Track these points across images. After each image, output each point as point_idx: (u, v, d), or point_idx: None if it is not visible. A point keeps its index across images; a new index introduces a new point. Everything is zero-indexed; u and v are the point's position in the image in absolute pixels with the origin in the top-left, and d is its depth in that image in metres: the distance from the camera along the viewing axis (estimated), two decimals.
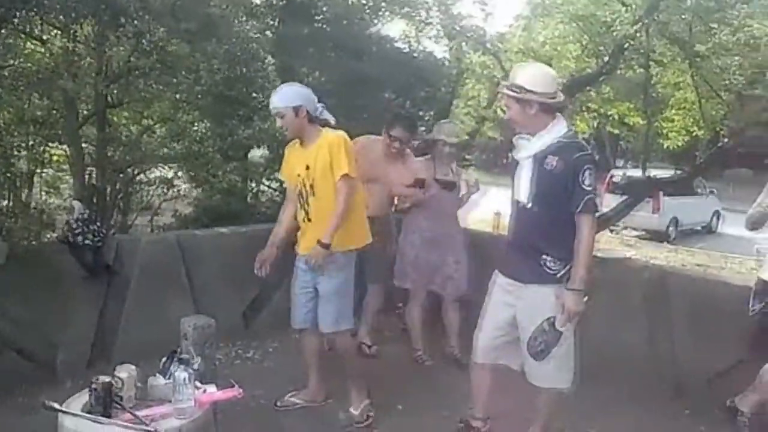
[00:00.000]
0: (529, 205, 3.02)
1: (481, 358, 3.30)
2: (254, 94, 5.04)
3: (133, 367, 2.45)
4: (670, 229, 15.09)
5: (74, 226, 4.30)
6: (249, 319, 5.17)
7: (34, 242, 4.70)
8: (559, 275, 3.00)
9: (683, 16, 8.13)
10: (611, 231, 13.28)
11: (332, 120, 3.65)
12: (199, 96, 5.07)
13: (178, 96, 5.12)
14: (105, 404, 2.22)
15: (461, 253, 4.62)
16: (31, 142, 5.18)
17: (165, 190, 5.80)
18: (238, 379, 4.27)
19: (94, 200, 5.07)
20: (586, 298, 2.95)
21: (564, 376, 3.12)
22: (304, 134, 3.56)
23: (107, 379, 2.26)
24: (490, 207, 7.50)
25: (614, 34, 8.78)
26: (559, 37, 10.72)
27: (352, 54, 7.45)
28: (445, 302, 4.69)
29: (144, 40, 4.68)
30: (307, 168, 3.52)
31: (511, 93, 3.01)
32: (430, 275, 4.62)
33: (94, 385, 2.23)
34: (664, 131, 10.89)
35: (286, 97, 3.52)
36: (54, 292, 4.31)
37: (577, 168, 2.91)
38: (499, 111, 14.28)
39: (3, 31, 4.71)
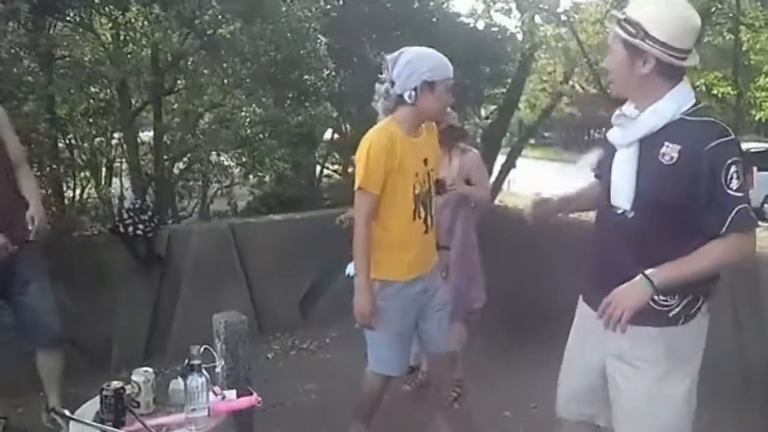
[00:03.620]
0: (631, 213, 2.01)
1: (565, 412, 2.38)
2: (305, 77, 4.83)
3: (151, 370, 2.31)
4: (766, 206, 14.11)
5: (125, 216, 4.28)
6: (305, 309, 5.04)
7: (85, 230, 4.72)
8: (672, 313, 2.00)
9: None
10: None
11: None
12: (247, 80, 4.92)
13: (225, 81, 4.98)
14: (116, 412, 2.09)
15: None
16: (91, 133, 5.22)
17: (221, 178, 5.73)
18: (293, 372, 4.27)
19: (149, 189, 5.04)
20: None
21: None
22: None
23: (119, 384, 2.13)
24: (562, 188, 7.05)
25: None
26: None
27: (417, 32, 7.20)
28: None
29: (192, 25, 4.56)
30: (426, 163, 2.78)
31: (621, 32, 1.95)
32: None
33: (104, 392, 2.10)
34: (757, 101, 10.13)
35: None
36: (108, 282, 4.31)
37: (716, 162, 1.86)
38: (576, 86, 13.83)
39: (58, 23, 4.74)
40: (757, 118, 11.21)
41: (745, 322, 3.72)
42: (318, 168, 6.84)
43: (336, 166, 7.06)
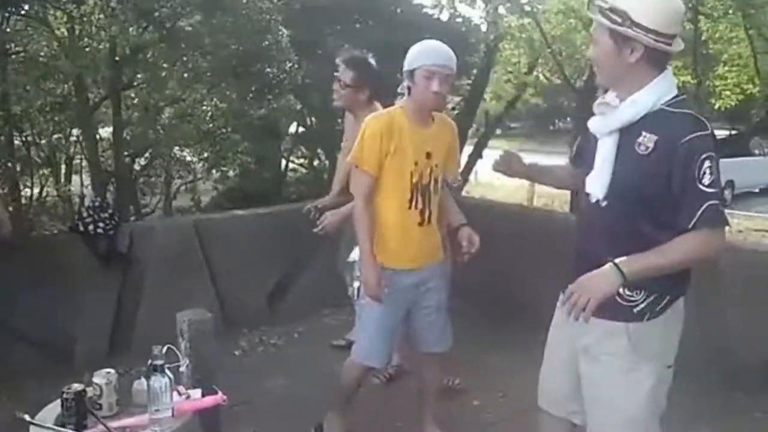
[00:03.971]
0: (605, 203, 2.00)
1: (545, 405, 2.34)
2: (267, 69, 4.78)
3: (113, 371, 2.27)
4: (725, 192, 14.43)
5: (85, 214, 4.20)
6: (273, 304, 5.00)
7: (47, 231, 4.63)
8: (637, 309, 1.98)
9: None
10: None
11: None
12: (208, 73, 4.87)
13: (186, 74, 4.92)
14: (78, 415, 2.05)
15: None
16: (48, 129, 5.11)
17: (184, 173, 5.67)
18: (261, 368, 4.24)
19: (110, 186, 4.95)
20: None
21: None
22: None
23: (80, 387, 2.09)
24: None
25: None
26: None
27: (381, 23, 7.20)
28: None
29: (150, 18, 4.48)
30: (428, 156, 2.77)
31: (606, 21, 1.91)
32: None
33: (65, 395, 2.05)
34: (717, 89, 10.31)
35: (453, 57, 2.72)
36: (69, 282, 4.20)
37: (690, 155, 1.84)
38: (541, 76, 13.93)
39: (12, 17, 4.61)
40: (716, 107, 11.42)
41: (705, 310, 3.78)
42: (283, 162, 6.80)
43: (301, 160, 7.01)
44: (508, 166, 2.31)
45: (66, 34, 4.82)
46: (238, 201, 5.25)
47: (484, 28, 10.82)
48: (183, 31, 4.36)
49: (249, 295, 4.80)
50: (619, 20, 1.87)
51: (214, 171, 5.64)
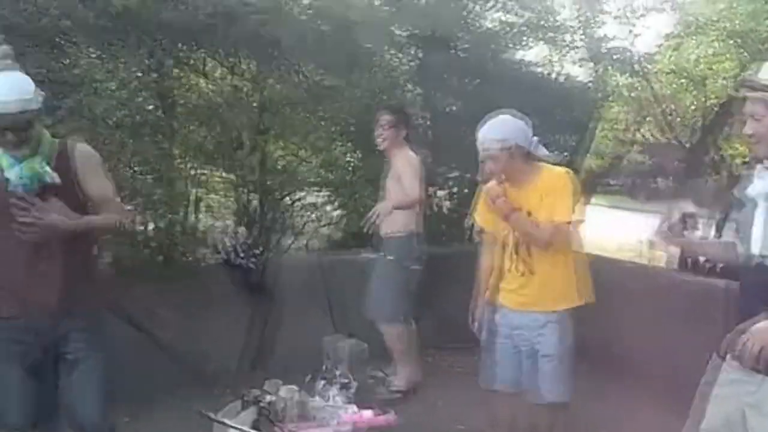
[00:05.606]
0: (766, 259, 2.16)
1: None
2: None
3: (295, 387, 2.56)
4: None
5: (239, 250, 4.70)
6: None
7: (192, 259, 5.11)
8: None
9: None
10: None
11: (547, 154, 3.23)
12: (352, 128, 5.35)
13: (333, 129, 5.44)
14: (263, 420, 2.35)
15: None
16: (199, 170, 5.65)
17: (316, 216, 6.12)
18: (371, 403, 4.52)
19: (252, 223, 5.45)
20: None
21: None
22: (519, 174, 3.13)
23: (257, 392, 2.40)
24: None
25: None
26: (713, 55, 10.16)
27: (492, 81, 7.43)
28: None
29: (298, 75, 5.01)
30: (528, 214, 3.09)
31: None
32: None
33: (245, 398, 2.37)
34: None
35: (499, 135, 3.07)
36: (209, 306, 4.71)
37: None
38: (647, 134, 13.75)
39: (177, 69, 5.21)
40: None
41: None
42: None
43: None
44: (667, 235, 2.57)
45: (226, 86, 5.39)
46: (359, 244, 5.63)
47: (592, 86, 10.89)
48: (326, 87, 4.85)
49: (363, 332, 5.10)
50: None
51: (345, 218, 6.06)
